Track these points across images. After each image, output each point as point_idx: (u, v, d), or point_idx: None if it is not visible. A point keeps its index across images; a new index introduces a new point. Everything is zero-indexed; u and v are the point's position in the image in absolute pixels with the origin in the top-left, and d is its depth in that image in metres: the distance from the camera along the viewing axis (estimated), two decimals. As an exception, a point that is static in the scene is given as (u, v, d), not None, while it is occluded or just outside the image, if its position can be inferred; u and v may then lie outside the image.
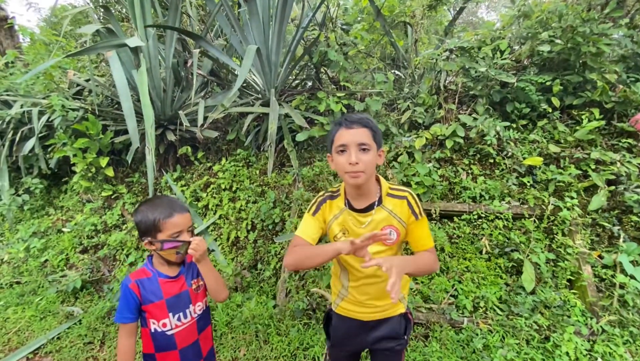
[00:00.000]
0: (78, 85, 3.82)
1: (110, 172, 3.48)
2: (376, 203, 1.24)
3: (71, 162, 3.41)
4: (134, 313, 1.28)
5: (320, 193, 1.36)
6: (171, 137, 3.34)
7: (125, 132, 3.43)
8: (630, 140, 2.69)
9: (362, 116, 1.20)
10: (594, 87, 2.83)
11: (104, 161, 3.35)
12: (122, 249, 3.26)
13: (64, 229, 3.58)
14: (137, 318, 1.30)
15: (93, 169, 3.43)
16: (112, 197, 3.59)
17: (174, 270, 1.32)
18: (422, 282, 2.53)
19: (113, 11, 4.88)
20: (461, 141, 2.84)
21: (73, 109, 3.30)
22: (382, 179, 1.29)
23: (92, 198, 3.66)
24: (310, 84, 3.82)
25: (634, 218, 2.44)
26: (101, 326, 2.68)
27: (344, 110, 3.14)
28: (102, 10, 3.43)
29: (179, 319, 1.31)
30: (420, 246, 1.29)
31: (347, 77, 3.27)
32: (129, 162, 3.27)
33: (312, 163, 3.26)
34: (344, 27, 3.96)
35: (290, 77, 3.85)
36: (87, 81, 3.70)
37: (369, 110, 3.06)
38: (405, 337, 1.40)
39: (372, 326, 1.38)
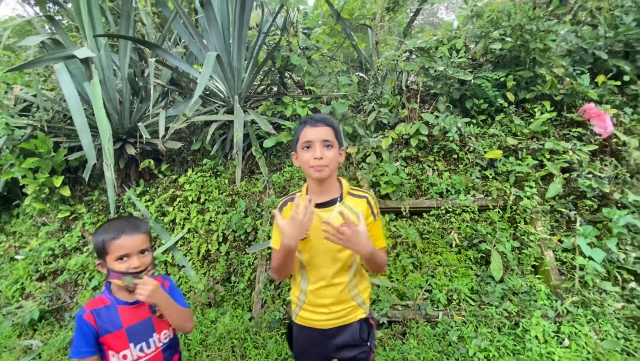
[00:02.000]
0: (25, 101, 3.56)
1: (66, 191, 3.26)
2: (338, 199, 1.30)
3: (21, 184, 3.17)
4: (93, 346, 1.18)
5: (281, 199, 1.39)
6: (131, 150, 3.18)
7: (81, 148, 3.23)
8: (579, 129, 2.87)
9: (325, 115, 1.30)
10: (544, 81, 2.99)
11: (58, 181, 3.13)
12: (84, 273, 3.05)
13: (17, 257, 3.31)
14: (97, 351, 1.19)
15: (47, 190, 3.20)
16: (70, 218, 3.36)
17: (133, 295, 1.22)
18: (397, 280, 2.56)
19: (66, 21, 4.62)
20: (425, 138, 2.90)
21: (19, 127, 3.07)
22: (343, 180, 1.35)
23: (48, 220, 3.41)
24: (275, 89, 3.79)
25: (588, 203, 2.59)
26: (63, 359, 2.49)
27: (311, 114, 3.13)
28: (49, 21, 3.22)
29: (141, 350, 1.21)
30: (375, 245, 1.34)
31: (312, 81, 3.26)
32: (87, 179, 3.09)
33: (282, 169, 3.22)
34: (305, 31, 3.96)
35: (255, 83, 3.80)
36: (35, 96, 3.46)
37: (335, 113, 3.07)
38: (369, 343, 1.37)
39: (332, 335, 1.36)
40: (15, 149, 3.06)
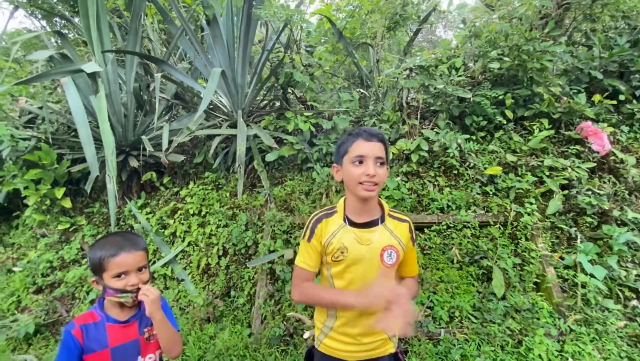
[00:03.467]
0: (30, 113, 3.61)
1: (67, 203, 3.26)
2: (379, 220, 1.22)
3: (22, 195, 3.17)
4: None
5: (314, 214, 1.27)
6: (134, 163, 3.20)
7: (84, 160, 3.25)
8: (578, 147, 2.91)
9: (379, 130, 1.20)
10: (542, 99, 3.05)
11: (59, 192, 3.14)
12: (82, 286, 3.02)
13: (14, 269, 3.28)
14: None
15: (48, 201, 3.21)
16: (70, 230, 3.35)
17: (125, 314, 1.20)
18: (398, 296, 2.53)
19: (72, 35, 4.72)
20: (426, 154, 2.94)
21: (24, 139, 3.10)
22: (382, 200, 1.29)
23: (48, 232, 3.40)
24: (278, 104, 3.85)
25: (588, 219, 2.60)
26: (58, 374, 2.44)
27: (312, 129, 3.18)
28: (57, 35, 3.30)
29: None
30: (409, 272, 1.31)
31: (314, 96, 3.32)
32: (89, 191, 3.09)
33: (284, 183, 3.23)
34: (308, 49, 4.06)
35: (258, 98, 3.86)
36: (40, 108, 3.50)
37: (337, 128, 3.11)
38: None
39: None
40: (18, 160, 3.08)
